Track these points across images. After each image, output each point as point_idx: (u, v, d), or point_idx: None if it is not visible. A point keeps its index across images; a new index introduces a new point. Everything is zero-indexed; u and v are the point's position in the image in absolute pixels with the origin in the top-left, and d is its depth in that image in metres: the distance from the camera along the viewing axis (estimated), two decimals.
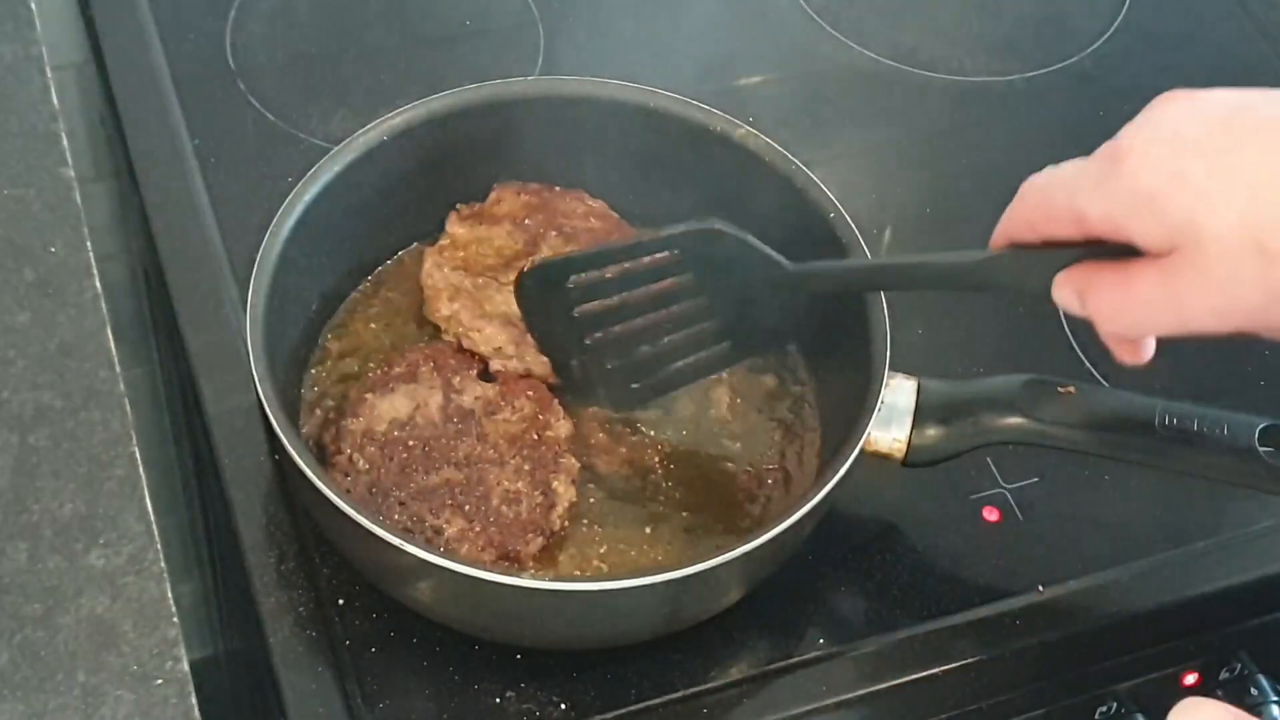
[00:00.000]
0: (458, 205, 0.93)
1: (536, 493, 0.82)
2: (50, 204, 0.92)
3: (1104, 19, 1.18)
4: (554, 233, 0.91)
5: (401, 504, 0.80)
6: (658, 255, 0.81)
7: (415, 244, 0.94)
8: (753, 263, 0.79)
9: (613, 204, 0.94)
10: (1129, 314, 0.66)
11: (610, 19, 1.15)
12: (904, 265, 0.78)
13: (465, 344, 0.87)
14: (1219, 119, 0.62)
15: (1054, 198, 0.66)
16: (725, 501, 0.86)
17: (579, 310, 0.83)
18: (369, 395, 0.84)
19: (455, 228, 0.92)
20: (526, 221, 0.91)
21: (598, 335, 0.83)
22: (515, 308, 0.87)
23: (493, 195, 0.93)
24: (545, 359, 0.87)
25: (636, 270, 0.81)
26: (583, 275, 0.82)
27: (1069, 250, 0.67)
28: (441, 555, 0.74)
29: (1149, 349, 0.72)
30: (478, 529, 0.80)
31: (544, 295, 0.84)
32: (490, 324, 0.87)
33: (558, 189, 0.93)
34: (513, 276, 0.89)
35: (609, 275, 0.82)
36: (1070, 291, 0.67)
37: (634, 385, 0.85)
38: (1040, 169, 1.06)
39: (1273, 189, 0.60)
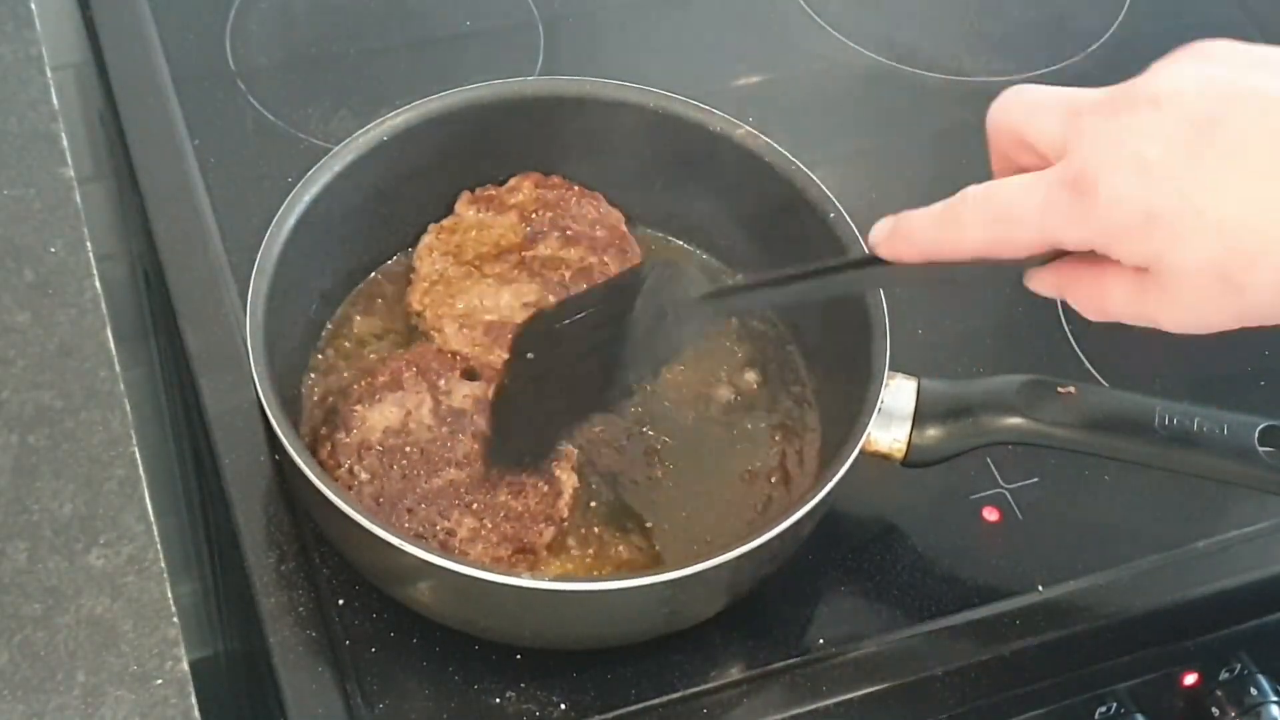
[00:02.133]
0: (474, 188, 0.93)
1: (541, 482, 0.82)
2: (50, 204, 0.92)
3: (1104, 19, 1.18)
4: (555, 233, 0.91)
5: (410, 511, 0.80)
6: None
7: (415, 244, 0.94)
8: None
9: (612, 202, 0.94)
10: (1106, 311, 0.67)
11: (610, 19, 1.15)
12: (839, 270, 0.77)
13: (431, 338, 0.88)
14: (1184, 142, 0.62)
15: (1017, 227, 0.65)
16: (725, 501, 0.86)
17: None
18: (357, 407, 0.83)
19: (464, 208, 0.92)
20: (533, 215, 0.92)
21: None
22: (483, 303, 0.88)
23: (511, 182, 0.93)
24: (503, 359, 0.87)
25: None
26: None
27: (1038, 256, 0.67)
28: (441, 555, 0.74)
29: None
30: (490, 526, 0.80)
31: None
32: (452, 324, 0.88)
33: (577, 188, 0.93)
34: (499, 269, 0.89)
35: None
36: (1049, 286, 0.69)
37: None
38: None
39: (1240, 225, 0.61)
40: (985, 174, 1.06)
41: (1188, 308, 0.64)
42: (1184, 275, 0.62)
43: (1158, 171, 0.62)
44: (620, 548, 0.84)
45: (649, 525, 0.85)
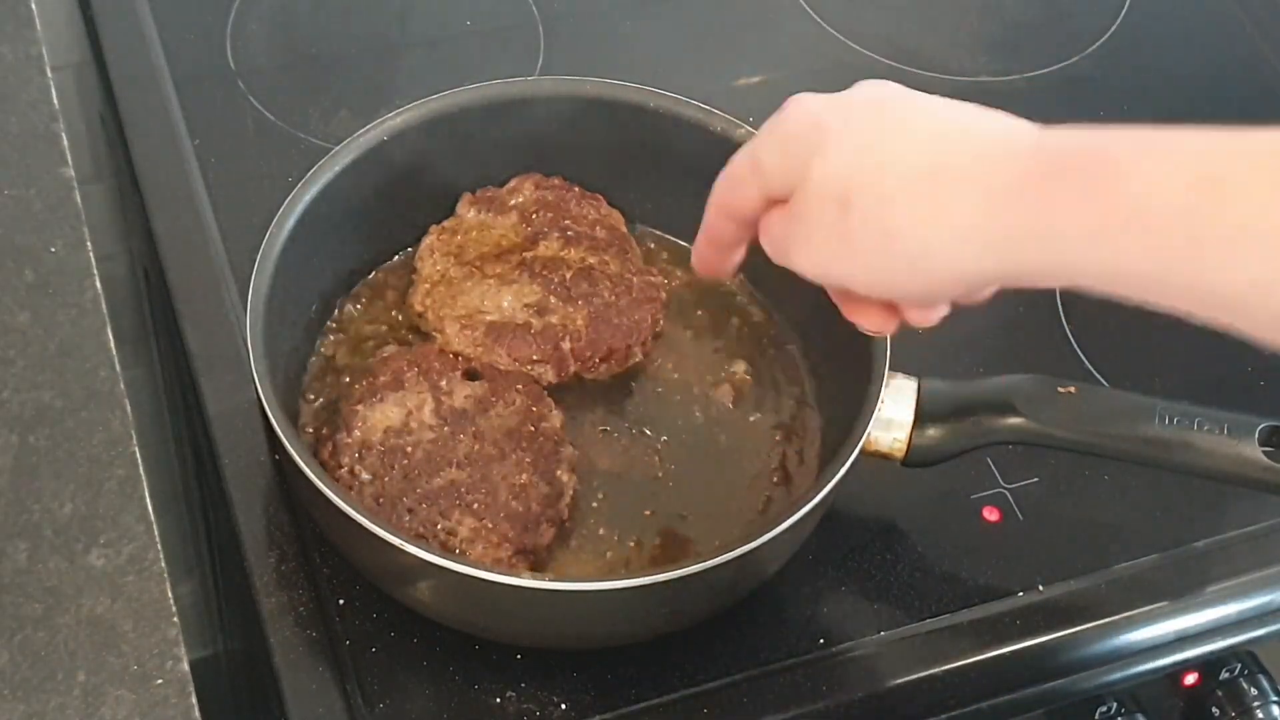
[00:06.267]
0: (475, 189, 0.93)
1: (543, 483, 0.82)
2: (50, 204, 0.92)
3: (1104, 19, 1.18)
4: (556, 233, 0.91)
5: (410, 511, 0.80)
6: None
7: (416, 244, 0.94)
8: None
9: (612, 202, 0.94)
10: (767, 245, 0.71)
11: (610, 19, 1.15)
12: None
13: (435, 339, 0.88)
14: (874, 101, 0.68)
15: (738, 166, 0.71)
16: (725, 501, 0.86)
17: None
18: (359, 407, 0.83)
19: (465, 210, 0.92)
20: (534, 216, 0.92)
21: None
22: (484, 304, 0.88)
23: (511, 183, 0.93)
24: (505, 360, 0.87)
25: None
26: None
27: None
28: (442, 555, 0.74)
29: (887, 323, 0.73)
30: (490, 526, 0.80)
31: None
32: (453, 325, 0.88)
33: (577, 189, 0.93)
34: (500, 269, 0.89)
35: None
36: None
37: None
38: None
39: (875, 151, 0.65)
40: None
41: (805, 226, 0.67)
42: (811, 184, 0.66)
43: (842, 104, 0.68)
44: (620, 548, 0.84)
45: (649, 526, 0.85)
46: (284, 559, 0.84)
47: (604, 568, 0.83)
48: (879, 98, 0.68)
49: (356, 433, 0.82)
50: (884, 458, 0.83)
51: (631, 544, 0.84)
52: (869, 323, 0.73)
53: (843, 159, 0.66)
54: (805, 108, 0.69)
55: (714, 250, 0.75)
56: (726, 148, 0.90)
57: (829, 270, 0.68)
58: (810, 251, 0.68)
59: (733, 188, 0.72)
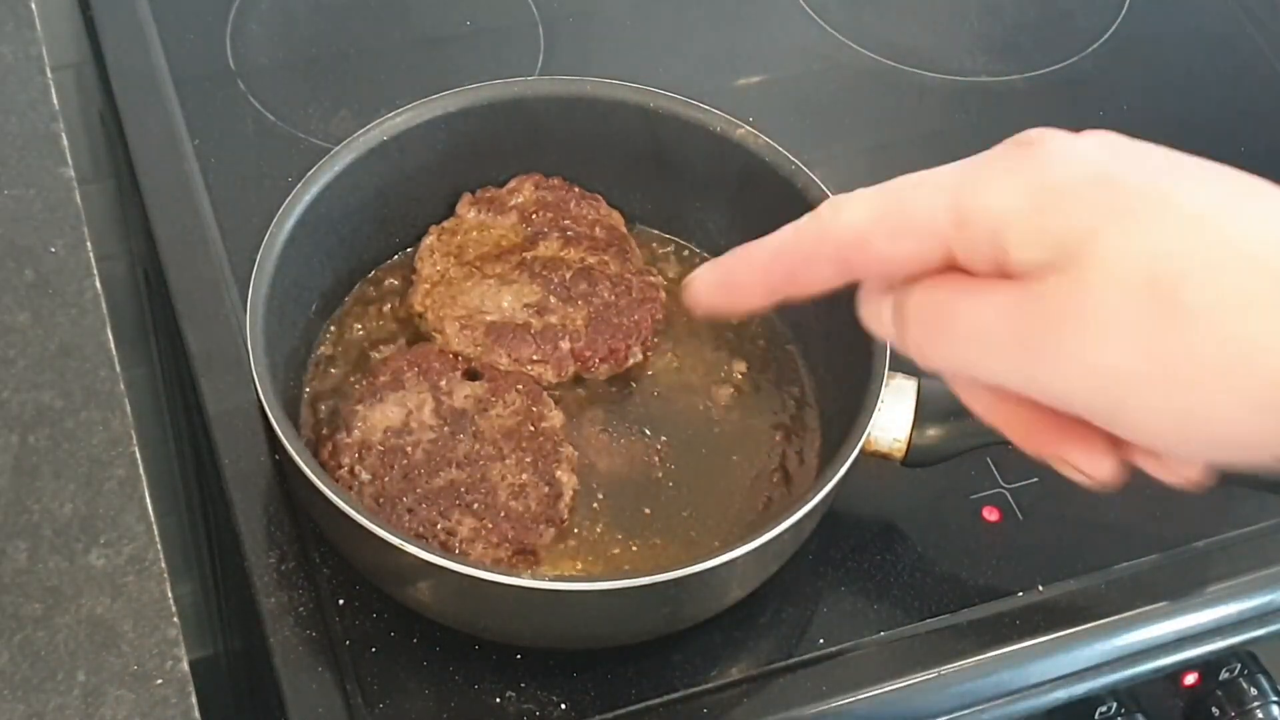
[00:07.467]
0: (475, 189, 0.93)
1: (542, 483, 0.82)
2: (50, 204, 0.92)
3: (1104, 19, 1.19)
4: (556, 233, 0.91)
5: (410, 510, 0.80)
6: None
7: (416, 244, 0.94)
8: None
9: (612, 202, 0.94)
10: (921, 335, 0.51)
11: (610, 19, 1.15)
12: None
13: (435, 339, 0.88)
14: (1163, 155, 0.49)
15: (916, 202, 0.51)
16: (725, 501, 0.86)
17: None
18: (359, 407, 0.83)
19: (465, 210, 0.92)
20: (534, 216, 0.92)
21: None
22: (484, 304, 0.88)
23: (511, 183, 0.93)
24: (505, 360, 0.87)
25: None
26: None
27: None
28: (442, 555, 0.74)
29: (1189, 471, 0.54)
30: (490, 526, 0.80)
31: None
32: (453, 325, 0.88)
33: (577, 189, 0.93)
34: (499, 270, 0.89)
35: None
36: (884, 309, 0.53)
37: None
38: None
39: (1212, 226, 0.45)
40: None
41: (1090, 327, 0.46)
42: (1100, 264, 0.46)
43: (1127, 152, 0.49)
44: (620, 548, 0.84)
45: (649, 526, 0.85)
46: (284, 559, 0.84)
47: (604, 568, 0.83)
48: (1157, 152, 0.48)
49: (356, 433, 0.83)
50: (884, 458, 0.83)
51: (632, 544, 0.84)
52: (1091, 466, 0.55)
53: (1163, 233, 0.45)
54: (1078, 151, 0.48)
55: (760, 289, 0.55)
56: (726, 148, 0.91)
57: (1106, 393, 0.47)
58: (1078, 362, 0.47)
59: (885, 230, 0.51)
